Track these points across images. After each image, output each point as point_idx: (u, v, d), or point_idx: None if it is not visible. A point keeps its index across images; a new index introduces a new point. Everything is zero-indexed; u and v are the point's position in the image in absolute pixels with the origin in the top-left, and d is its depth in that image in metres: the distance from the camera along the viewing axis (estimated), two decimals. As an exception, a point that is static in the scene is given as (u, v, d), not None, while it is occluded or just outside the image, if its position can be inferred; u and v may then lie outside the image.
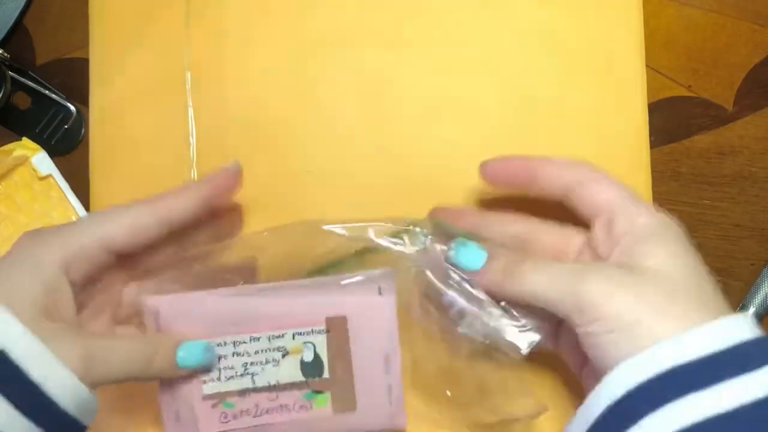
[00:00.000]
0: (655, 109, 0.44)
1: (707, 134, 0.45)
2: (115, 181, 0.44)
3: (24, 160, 0.43)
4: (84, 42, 0.45)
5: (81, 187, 0.44)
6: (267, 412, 0.37)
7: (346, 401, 0.38)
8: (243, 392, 0.36)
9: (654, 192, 0.43)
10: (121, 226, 0.32)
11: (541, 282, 0.31)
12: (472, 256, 0.33)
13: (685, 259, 0.30)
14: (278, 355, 0.36)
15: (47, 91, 0.45)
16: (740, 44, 0.45)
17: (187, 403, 0.36)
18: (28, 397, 0.28)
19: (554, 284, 0.30)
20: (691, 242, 0.31)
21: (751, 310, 0.42)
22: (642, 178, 0.43)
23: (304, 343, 0.36)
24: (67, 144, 0.45)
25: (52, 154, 0.44)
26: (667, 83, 0.45)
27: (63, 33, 0.46)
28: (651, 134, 0.43)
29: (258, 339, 0.36)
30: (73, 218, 0.43)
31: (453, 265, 0.34)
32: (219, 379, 0.36)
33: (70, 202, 0.43)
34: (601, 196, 0.32)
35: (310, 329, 0.36)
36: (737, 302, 0.43)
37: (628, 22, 0.44)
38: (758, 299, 0.43)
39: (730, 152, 0.44)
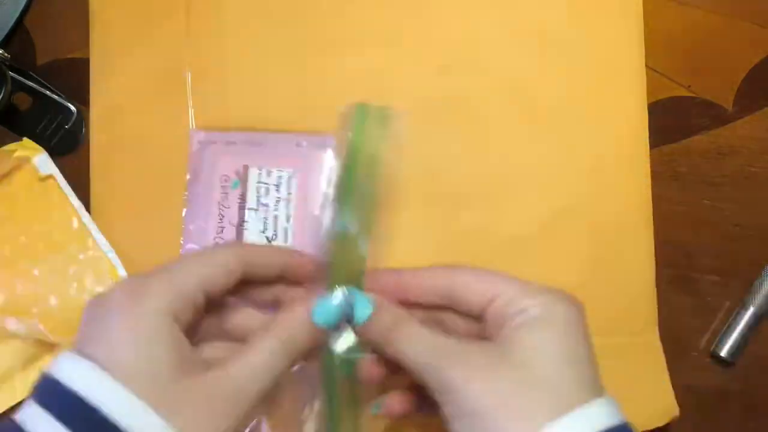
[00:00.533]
0: (655, 109, 0.44)
1: (707, 134, 0.44)
2: (115, 181, 0.44)
3: (25, 161, 0.43)
4: (84, 42, 0.45)
5: (81, 187, 0.44)
6: None
7: None
8: None
9: (653, 192, 0.43)
10: (217, 266, 0.30)
11: (412, 353, 0.29)
12: (359, 308, 0.32)
13: (557, 347, 0.28)
14: None
15: (48, 92, 0.45)
16: (740, 44, 0.45)
17: None
18: None
19: (422, 357, 0.29)
20: (580, 323, 0.29)
21: (751, 309, 0.42)
22: (642, 178, 0.43)
23: None
24: (68, 144, 0.45)
25: (53, 154, 0.44)
26: (667, 83, 0.45)
27: (63, 33, 0.46)
28: (651, 134, 0.43)
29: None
30: (74, 220, 0.43)
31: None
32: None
33: (71, 203, 0.43)
34: (484, 291, 0.30)
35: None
36: (737, 302, 0.43)
37: (628, 22, 0.44)
38: (758, 299, 0.43)
39: (729, 152, 0.44)
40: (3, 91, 0.43)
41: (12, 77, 0.44)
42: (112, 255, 0.43)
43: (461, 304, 0.31)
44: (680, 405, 0.41)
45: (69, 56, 0.46)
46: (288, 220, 0.42)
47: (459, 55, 0.44)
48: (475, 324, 0.31)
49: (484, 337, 0.30)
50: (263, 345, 0.29)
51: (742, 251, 0.44)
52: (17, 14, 0.45)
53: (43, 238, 0.43)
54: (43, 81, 0.45)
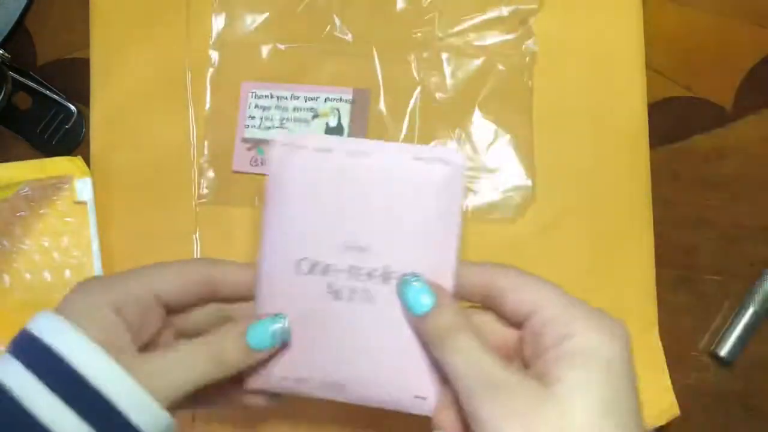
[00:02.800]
0: (655, 109, 0.44)
1: (707, 134, 0.45)
2: (115, 181, 0.44)
3: (68, 181, 0.43)
4: (85, 42, 0.45)
5: (81, 187, 0.44)
6: None
7: None
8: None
9: (654, 192, 0.43)
10: (170, 283, 0.32)
11: (458, 367, 0.28)
12: (418, 298, 0.30)
13: (600, 394, 0.26)
14: (309, 115, 0.41)
15: (48, 92, 0.45)
16: (740, 44, 0.45)
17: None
18: (100, 412, 0.28)
19: (467, 377, 0.28)
20: (626, 362, 0.27)
21: (751, 309, 0.42)
22: (642, 178, 0.43)
23: (332, 108, 0.41)
24: (68, 144, 0.45)
25: (53, 154, 0.44)
26: (667, 83, 0.45)
27: (64, 33, 0.46)
28: (651, 134, 0.43)
29: (297, 97, 0.41)
30: (75, 253, 0.43)
31: (400, 298, 0.31)
32: (259, 126, 0.42)
33: (89, 234, 0.43)
34: (523, 301, 0.29)
35: (339, 96, 0.41)
36: (737, 302, 0.43)
37: (628, 22, 0.44)
38: (758, 299, 0.43)
39: (729, 152, 0.44)
40: (3, 91, 0.43)
41: (12, 77, 0.44)
42: None
43: (499, 309, 0.30)
44: (680, 405, 0.41)
45: (69, 56, 0.46)
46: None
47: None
48: (515, 332, 0.30)
49: (521, 350, 0.30)
50: (189, 349, 0.31)
51: (742, 251, 0.44)
52: (17, 14, 0.45)
53: (49, 255, 0.43)
54: (43, 81, 0.46)
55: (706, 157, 0.44)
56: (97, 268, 0.42)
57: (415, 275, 0.31)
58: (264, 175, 0.43)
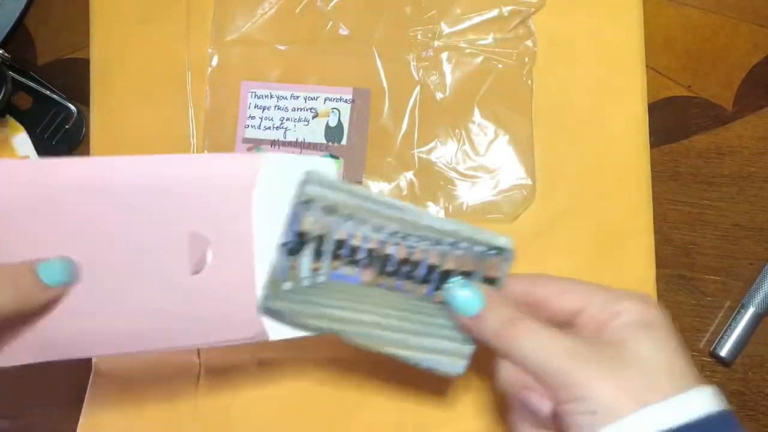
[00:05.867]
0: (655, 109, 0.44)
1: (707, 134, 0.45)
2: (115, 181, 0.44)
3: (5, 141, 0.43)
4: (85, 42, 0.45)
5: (81, 187, 0.44)
6: None
7: (356, 172, 0.42)
8: (274, 143, 0.43)
9: (654, 192, 0.43)
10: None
11: (534, 349, 0.30)
12: (469, 300, 0.32)
13: (663, 343, 0.30)
14: (309, 115, 0.42)
15: (48, 92, 0.45)
16: (740, 44, 0.45)
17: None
18: None
19: (547, 356, 0.29)
20: (669, 321, 0.31)
21: (751, 309, 0.42)
22: (642, 178, 0.43)
23: (332, 108, 0.42)
24: (68, 144, 0.45)
25: (53, 154, 0.44)
26: (667, 83, 0.45)
27: (64, 33, 0.46)
28: (651, 134, 0.43)
29: (297, 97, 0.42)
30: None
31: (447, 304, 0.33)
32: (259, 127, 0.43)
33: None
34: (570, 303, 0.32)
35: (339, 96, 0.42)
36: (737, 302, 0.43)
37: (628, 22, 0.44)
38: (758, 299, 0.42)
39: (729, 152, 0.44)
40: (3, 91, 0.43)
41: (12, 77, 0.44)
42: None
43: (544, 312, 0.32)
44: (680, 405, 0.41)
45: (69, 56, 0.46)
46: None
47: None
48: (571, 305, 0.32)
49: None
50: None
51: (742, 251, 0.44)
52: (17, 14, 0.45)
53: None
54: (43, 81, 0.46)
55: (705, 157, 0.44)
56: None
57: (463, 281, 0.33)
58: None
